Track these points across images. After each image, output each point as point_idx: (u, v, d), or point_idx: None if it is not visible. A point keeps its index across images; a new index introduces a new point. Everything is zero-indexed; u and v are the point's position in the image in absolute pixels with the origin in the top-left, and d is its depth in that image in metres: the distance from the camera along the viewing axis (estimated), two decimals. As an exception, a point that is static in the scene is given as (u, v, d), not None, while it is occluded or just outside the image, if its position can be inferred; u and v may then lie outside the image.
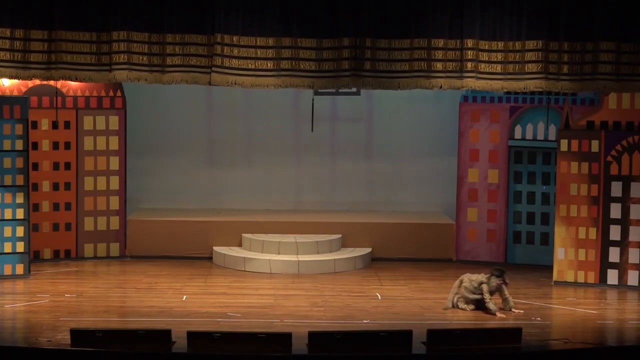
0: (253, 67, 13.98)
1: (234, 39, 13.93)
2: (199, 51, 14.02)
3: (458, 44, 14.09)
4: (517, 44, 14.08)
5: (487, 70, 14.12)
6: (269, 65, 13.98)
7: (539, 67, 14.05)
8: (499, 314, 13.53)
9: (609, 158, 15.32)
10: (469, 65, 14.07)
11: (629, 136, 15.26)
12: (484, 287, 13.65)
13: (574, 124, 15.50)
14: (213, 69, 13.98)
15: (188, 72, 14.06)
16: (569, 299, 14.70)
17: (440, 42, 14.07)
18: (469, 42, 14.07)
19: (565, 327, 13.13)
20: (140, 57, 14.00)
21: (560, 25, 14.00)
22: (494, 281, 13.73)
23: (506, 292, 13.74)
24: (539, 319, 13.55)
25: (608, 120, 15.36)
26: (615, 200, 15.28)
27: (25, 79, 14.35)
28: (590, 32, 14.00)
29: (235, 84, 14.03)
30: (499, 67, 14.11)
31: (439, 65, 14.08)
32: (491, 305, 13.59)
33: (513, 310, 13.66)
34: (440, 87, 14.15)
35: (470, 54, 14.07)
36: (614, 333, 13.13)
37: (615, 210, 15.27)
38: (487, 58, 14.11)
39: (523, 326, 12.40)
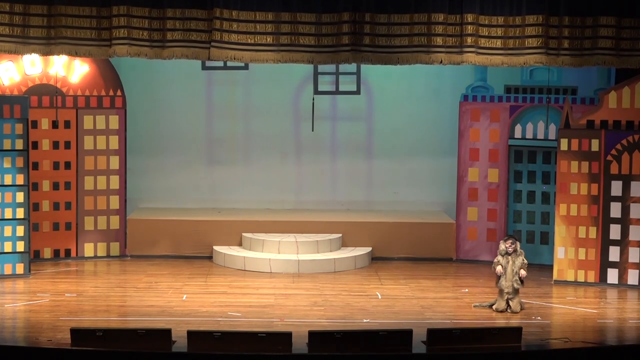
0: (252, 42, 13.91)
1: (233, 13, 13.87)
2: (199, 26, 13.95)
3: (458, 19, 14.03)
4: (517, 19, 14.03)
5: (487, 46, 14.05)
6: (268, 40, 13.92)
7: (539, 42, 13.99)
8: (497, 269, 13.76)
9: (609, 157, 15.33)
10: (469, 40, 14.00)
11: (629, 135, 15.26)
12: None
13: (574, 123, 15.50)
14: (212, 43, 13.91)
15: (188, 47, 13.98)
16: (569, 298, 14.72)
17: (440, 17, 14.00)
18: (469, 17, 14.01)
19: (565, 327, 13.15)
20: (141, 32, 13.92)
21: (561, 0, 13.98)
22: (502, 244, 13.91)
23: (513, 263, 13.78)
24: (539, 318, 13.57)
25: (608, 119, 15.36)
26: (615, 199, 15.28)
27: (24, 54, 14.25)
28: (590, 7, 13.97)
29: (234, 58, 13.96)
30: (499, 42, 14.05)
31: (439, 40, 14.01)
32: (493, 266, 13.87)
33: (515, 284, 13.71)
34: (441, 62, 14.06)
35: (470, 29, 14.01)
36: (614, 332, 13.14)
37: (615, 210, 15.28)
38: (487, 33, 14.05)
39: (523, 325, 12.41)
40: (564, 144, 15.53)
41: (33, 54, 14.22)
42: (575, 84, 16.85)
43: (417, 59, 14.08)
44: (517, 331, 12.07)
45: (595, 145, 15.39)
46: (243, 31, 13.88)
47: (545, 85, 16.49)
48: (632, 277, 15.23)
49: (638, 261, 15.20)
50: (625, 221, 15.25)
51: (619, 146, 15.29)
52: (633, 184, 15.23)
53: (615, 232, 15.28)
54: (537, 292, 14.92)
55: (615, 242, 15.30)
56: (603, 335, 12.91)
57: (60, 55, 16.32)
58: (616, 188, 15.27)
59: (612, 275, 15.32)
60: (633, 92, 15.19)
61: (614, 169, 15.33)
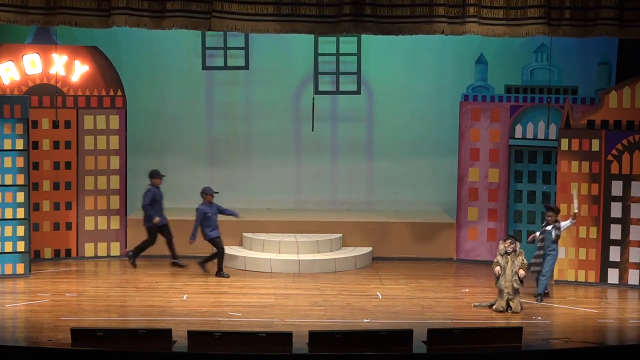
0: (253, 11, 13.73)
1: None
2: None
3: None
4: None
5: (489, 16, 13.89)
6: (269, 10, 13.75)
7: (541, 12, 13.84)
8: (496, 270, 13.78)
9: (610, 157, 15.33)
10: (471, 10, 13.83)
11: (629, 135, 15.26)
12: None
13: (574, 123, 15.49)
14: (213, 14, 13.71)
15: (188, 18, 13.73)
16: (569, 298, 14.72)
17: None
18: None
19: (565, 326, 13.16)
20: (140, 2, 13.70)
21: None
22: (501, 244, 13.93)
23: (513, 263, 13.79)
24: (539, 318, 13.57)
25: (609, 119, 15.35)
26: (616, 199, 15.29)
27: (23, 25, 13.88)
28: None
29: (235, 28, 13.78)
30: (501, 12, 13.90)
31: (440, 10, 13.83)
32: (492, 266, 13.88)
33: (515, 284, 13.72)
34: (442, 32, 13.93)
35: None
36: (614, 332, 13.15)
37: (616, 210, 15.29)
38: (489, 3, 13.89)
39: (523, 325, 12.41)
40: (564, 144, 15.53)
41: (32, 24, 13.94)
42: (576, 83, 16.85)
43: (418, 29, 13.91)
44: (517, 331, 12.06)
45: (595, 145, 15.39)
46: (244, 1, 13.68)
47: (546, 85, 16.48)
48: (632, 277, 15.22)
49: (638, 261, 15.19)
50: (625, 221, 15.25)
51: (619, 146, 15.28)
52: (634, 184, 15.23)
53: (615, 232, 15.29)
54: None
55: (615, 242, 15.29)
56: (603, 335, 12.92)
57: (59, 53, 16.37)
58: (617, 188, 15.27)
59: (613, 275, 15.31)
60: (633, 92, 15.18)
61: (614, 168, 15.33)
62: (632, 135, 15.24)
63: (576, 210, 14.66)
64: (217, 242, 15.84)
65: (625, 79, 15.55)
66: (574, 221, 14.71)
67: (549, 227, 14.46)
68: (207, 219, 15.75)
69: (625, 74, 15.79)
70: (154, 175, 16.27)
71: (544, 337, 12.51)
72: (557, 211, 14.67)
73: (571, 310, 14.07)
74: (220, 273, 15.74)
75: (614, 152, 15.32)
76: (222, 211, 15.91)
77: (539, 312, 13.82)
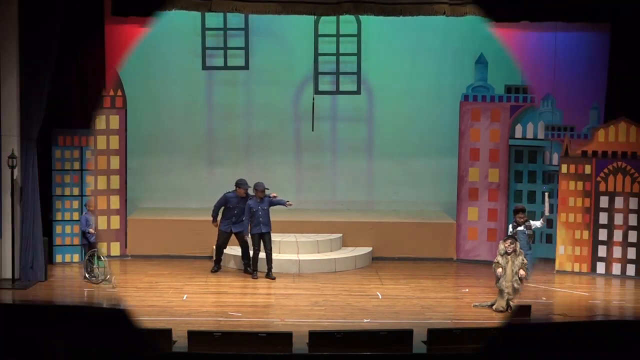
0: None
1: None
2: None
3: None
4: None
5: None
6: None
7: None
8: (497, 271, 13.83)
9: (599, 178, 16.41)
10: None
11: (613, 162, 16.33)
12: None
13: (572, 152, 16.55)
14: None
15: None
16: (567, 284, 15.68)
17: None
18: None
19: (564, 305, 14.21)
20: None
21: None
22: (501, 244, 14.02)
23: (513, 263, 13.86)
24: (544, 298, 14.58)
25: (598, 150, 16.43)
26: (603, 210, 16.41)
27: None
28: None
29: (236, 10, 13.68)
30: None
31: None
32: (494, 267, 13.94)
33: (515, 284, 13.83)
34: (444, 13, 13.83)
35: None
36: (601, 310, 14.23)
37: (603, 218, 16.41)
38: None
39: (532, 304, 13.51)
40: (564, 168, 16.46)
41: None
42: (574, 123, 17.11)
43: (420, 10, 13.83)
44: (527, 308, 13.23)
45: (588, 169, 16.42)
46: None
47: (550, 124, 16.80)
48: (615, 269, 16.29)
49: (620, 257, 16.22)
50: (610, 227, 16.29)
51: (606, 170, 16.37)
52: (617, 198, 16.29)
53: (603, 234, 16.38)
54: (543, 280, 15.78)
55: (602, 242, 16.40)
56: (593, 312, 14.00)
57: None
58: (604, 202, 16.39)
59: (601, 267, 16.38)
60: (617, 129, 16.30)
61: (602, 187, 16.41)
62: (616, 162, 16.31)
63: (547, 214, 15.40)
64: (260, 239, 15.73)
65: (610, 120, 16.50)
66: (544, 223, 15.39)
67: (520, 228, 14.72)
68: (253, 215, 15.65)
69: (612, 116, 16.66)
70: (238, 184, 15.85)
71: (548, 313, 13.64)
72: (526, 211, 14.92)
73: (569, 293, 15.09)
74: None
75: (602, 174, 16.40)
76: (272, 204, 15.82)
77: (544, 294, 14.84)
